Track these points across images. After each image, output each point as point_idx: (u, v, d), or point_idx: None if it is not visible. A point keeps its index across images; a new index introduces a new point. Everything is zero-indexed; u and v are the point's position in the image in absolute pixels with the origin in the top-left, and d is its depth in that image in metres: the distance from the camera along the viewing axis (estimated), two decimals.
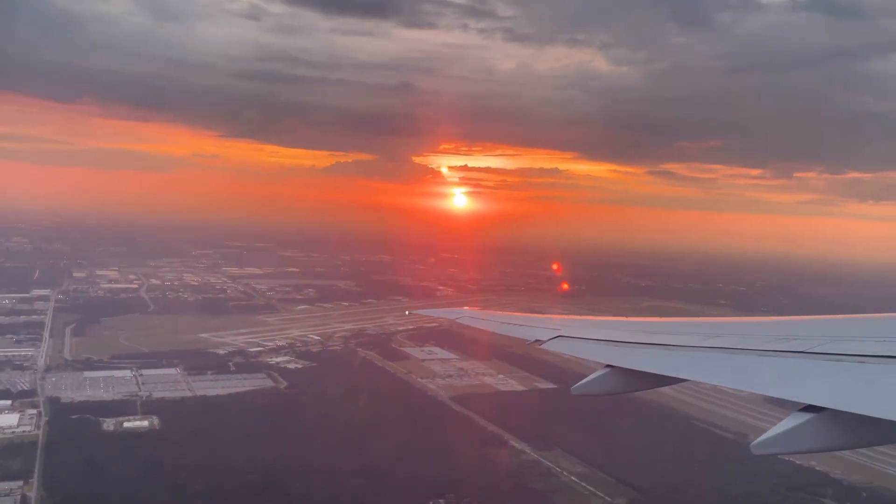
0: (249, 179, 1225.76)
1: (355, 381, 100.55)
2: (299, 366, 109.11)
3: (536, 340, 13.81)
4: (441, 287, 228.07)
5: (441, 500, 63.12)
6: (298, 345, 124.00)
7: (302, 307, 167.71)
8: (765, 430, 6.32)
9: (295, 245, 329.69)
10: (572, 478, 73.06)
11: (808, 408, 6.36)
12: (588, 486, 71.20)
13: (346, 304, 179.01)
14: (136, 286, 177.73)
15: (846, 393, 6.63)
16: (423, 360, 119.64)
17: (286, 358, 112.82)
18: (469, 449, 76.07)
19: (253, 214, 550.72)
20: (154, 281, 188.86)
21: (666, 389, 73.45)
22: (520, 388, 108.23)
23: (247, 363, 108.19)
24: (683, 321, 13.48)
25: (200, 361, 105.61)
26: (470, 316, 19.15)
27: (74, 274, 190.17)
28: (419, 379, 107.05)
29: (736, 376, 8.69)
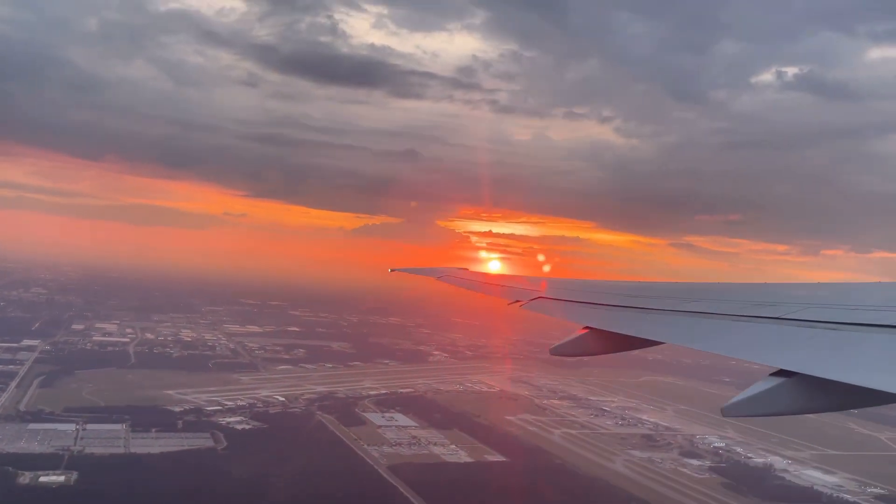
0: (280, 238, 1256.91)
1: (295, 446, 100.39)
2: (248, 427, 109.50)
3: (517, 301, 14.25)
4: (437, 352, 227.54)
5: None
6: (259, 405, 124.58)
7: (283, 367, 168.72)
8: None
9: (307, 304, 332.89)
10: None
11: (780, 372, 6.48)
12: None
13: (330, 365, 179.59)
14: (127, 340, 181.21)
15: (817, 358, 6.76)
16: (379, 427, 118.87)
17: (239, 418, 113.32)
18: None
19: (278, 272, 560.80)
20: (148, 335, 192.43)
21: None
22: (466, 459, 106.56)
23: (197, 422, 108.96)
24: (662, 284, 14.12)
25: (151, 418, 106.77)
26: (453, 275, 19.54)
27: (73, 326, 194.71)
28: (365, 445, 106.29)
29: (711, 340, 8.79)
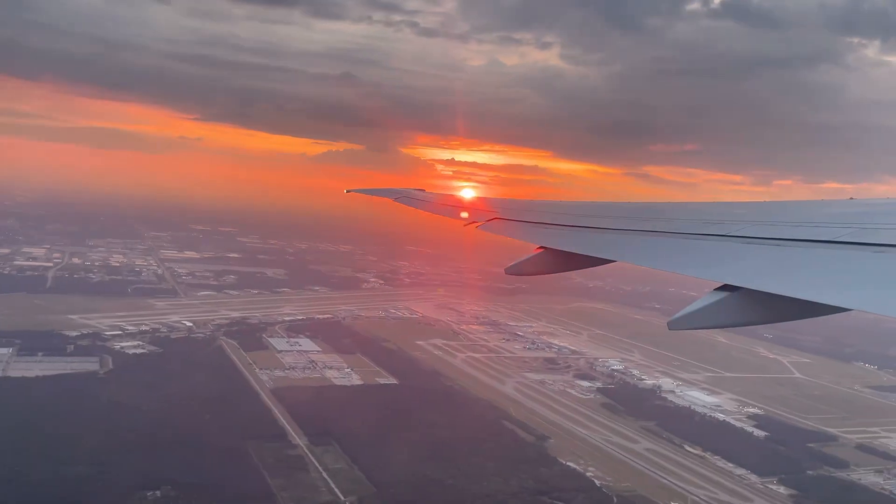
0: (239, 163, 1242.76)
1: (182, 370, 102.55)
2: (142, 351, 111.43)
3: (473, 221, 14.34)
4: (374, 279, 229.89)
5: (155, 493, 64.62)
6: (163, 330, 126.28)
7: (205, 293, 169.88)
8: None
9: (259, 231, 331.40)
10: (323, 473, 74.76)
11: (724, 287, 6.66)
12: (334, 483, 72.87)
13: (256, 291, 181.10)
14: (51, 265, 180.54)
15: (760, 273, 6.97)
16: (280, 352, 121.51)
17: (136, 343, 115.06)
18: (233, 441, 77.92)
19: (236, 198, 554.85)
20: (76, 260, 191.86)
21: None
22: (357, 382, 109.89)
23: (89, 346, 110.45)
24: (616, 204, 14.20)
25: (42, 342, 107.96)
26: (411, 196, 19.48)
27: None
28: (256, 370, 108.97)
29: (660, 259, 8.98)
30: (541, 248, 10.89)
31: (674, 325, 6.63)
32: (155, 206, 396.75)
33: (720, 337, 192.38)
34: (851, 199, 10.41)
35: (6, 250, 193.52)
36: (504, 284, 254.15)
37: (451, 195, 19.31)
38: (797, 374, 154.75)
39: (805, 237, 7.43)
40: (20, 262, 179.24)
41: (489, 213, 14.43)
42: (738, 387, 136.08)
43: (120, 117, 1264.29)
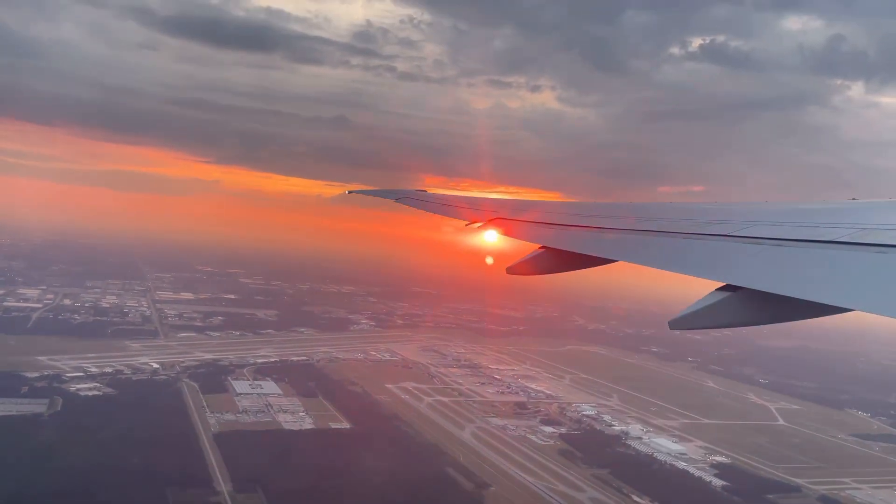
0: (258, 205, 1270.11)
1: (133, 412, 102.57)
2: (97, 393, 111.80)
3: (474, 221, 14.38)
4: (365, 321, 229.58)
5: None
6: (126, 372, 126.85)
7: (186, 334, 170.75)
8: None
9: (265, 272, 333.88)
10: None
11: (725, 287, 6.76)
12: None
13: (238, 333, 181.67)
14: (40, 306, 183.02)
15: (762, 273, 7.02)
16: (239, 394, 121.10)
17: (93, 385, 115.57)
18: (153, 488, 77.25)
19: (250, 239, 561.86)
20: (66, 301, 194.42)
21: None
22: (308, 427, 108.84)
23: (46, 388, 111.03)
24: (617, 204, 14.23)
25: None
26: (412, 197, 19.79)
27: None
28: (207, 413, 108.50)
29: (661, 258, 8.95)
30: (542, 247, 10.90)
31: (675, 325, 6.67)
32: (168, 248, 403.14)
33: (710, 381, 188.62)
34: (854, 199, 10.37)
35: (0, 291, 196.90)
36: (499, 326, 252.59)
37: (453, 196, 19.32)
38: (780, 422, 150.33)
39: (806, 237, 7.38)
40: (10, 302, 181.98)
41: (490, 214, 14.40)
42: (713, 434, 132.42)
43: (138, 160, 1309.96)
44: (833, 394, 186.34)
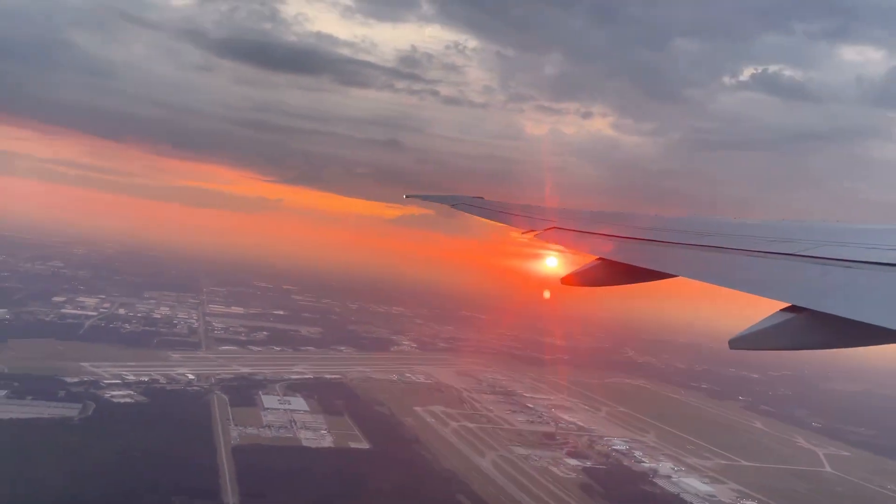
0: (321, 224, 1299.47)
1: (159, 421, 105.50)
2: (129, 401, 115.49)
3: (531, 230, 14.38)
4: (407, 342, 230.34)
5: None
6: (161, 381, 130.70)
7: (227, 348, 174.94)
8: None
9: (319, 290, 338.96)
10: None
11: (790, 308, 6.62)
12: None
13: (279, 348, 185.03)
14: (95, 314, 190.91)
15: (829, 295, 6.78)
16: (266, 409, 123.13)
17: (128, 392, 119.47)
18: (159, 497, 79.03)
19: (310, 258, 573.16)
20: (121, 311, 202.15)
21: None
22: (327, 445, 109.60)
23: (82, 393, 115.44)
24: (678, 218, 14.08)
25: (37, 386, 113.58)
26: (470, 203, 19.84)
27: (54, 298, 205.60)
28: (231, 426, 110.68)
29: (725, 275, 8.81)
30: (599, 259, 10.92)
31: (735, 345, 6.52)
32: (229, 263, 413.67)
33: (757, 422, 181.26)
34: None
35: (61, 298, 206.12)
36: (544, 355, 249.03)
37: (511, 203, 19.08)
38: (826, 468, 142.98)
39: (878, 260, 7.12)
40: (68, 309, 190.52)
41: (548, 223, 14.39)
42: (749, 477, 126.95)
43: (208, 178, 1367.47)
44: (892, 441, 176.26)
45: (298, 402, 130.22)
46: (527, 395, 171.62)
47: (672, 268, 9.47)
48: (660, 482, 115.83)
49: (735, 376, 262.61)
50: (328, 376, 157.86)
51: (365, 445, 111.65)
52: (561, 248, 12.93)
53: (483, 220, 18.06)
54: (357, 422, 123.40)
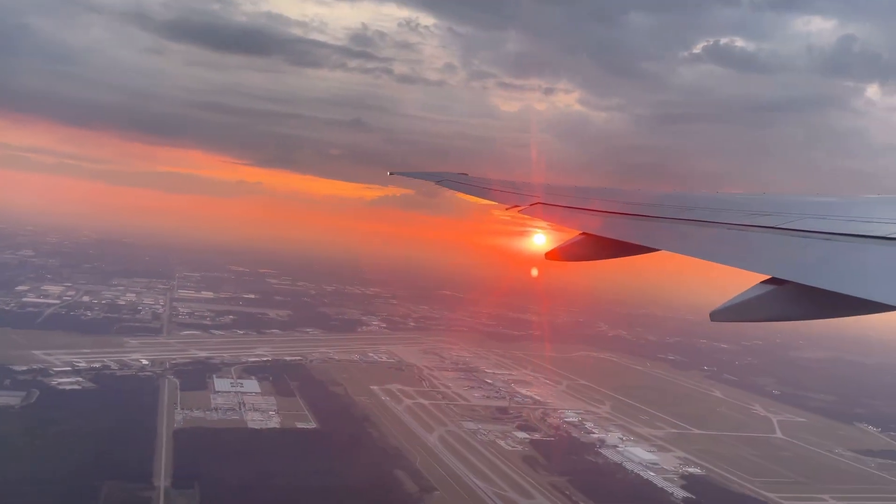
0: (303, 207, 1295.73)
1: (104, 407, 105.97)
2: (77, 388, 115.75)
3: (515, 206, 14.38)
4: (377, 323, 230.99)
5: None
6: (112, 367, 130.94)
7: (189, 332, 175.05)
8: None
9: (296, 273, 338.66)
10: None
11: (771, 281, 6.69)
12: None
13: (242, 332, 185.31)
14: (57, 302, 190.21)
15: (809, 267, 6.85)
16: (217, 392, 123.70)
17: (76, 379, 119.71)
18: (90, 480, 79.71)
19: (292, 241, 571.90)
20: (85, 298, 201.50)
21: None
22: (273, 426, 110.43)
23: (29, 381, 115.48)
24: (661, 193, 14.13)
25: None
26: (454, 179, 19.92)
27: (18, 287, 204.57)
28: (177, 409, 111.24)
29: (707, 248, 8.86)
30: (583, 233, 10.99)
31: (716, 317, 6.59)
32: (206, 248, 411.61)
33: (717, 391, 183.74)
34: None
35: (25, 287, 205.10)
36: (515, 331, 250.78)
37: (495, 179, 19.18)
38: (777, 434, 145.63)
39: (857, 232, 7.24)
40: (30, 298, 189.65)
41: (532, 199, 14.39)
42: (698, 445, 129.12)
43: (183, 162, 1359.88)
44: (849, 407, 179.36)
45: (251, 385, 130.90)
46: (489, 370, 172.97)
47: (655, 242, 9.64)
48: (605, 452, 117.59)
49: (705, 347, 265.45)
50: (288, 358, 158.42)
51: (312, 425, 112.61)
52: (545, 223, 13.15)
53: (467, 196, 18.31)
54: (309, 402, 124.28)
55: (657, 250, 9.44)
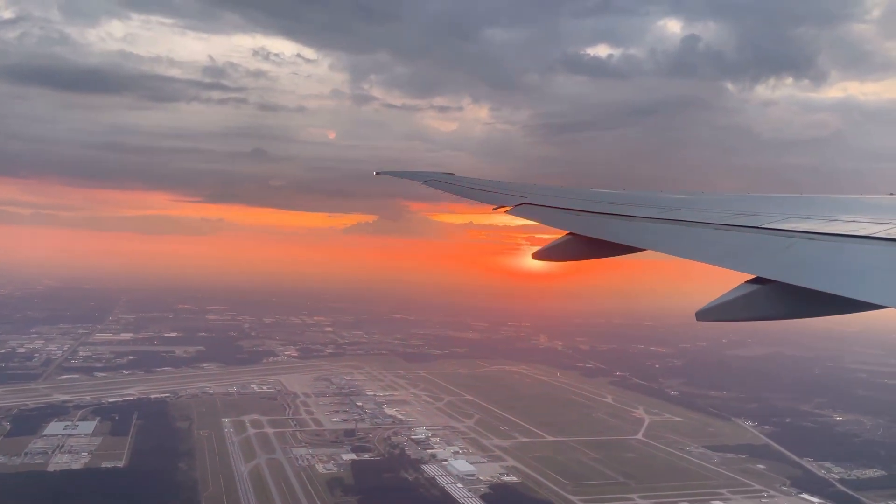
0: (280, 240, 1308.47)
1: None
2: None
3: (501, 206, 14.36)
4: (290, 353, 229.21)
5: None
6: None
7: (67, 377, 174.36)
8: None
9: (242, 307, 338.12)
10: None
11: (755, 280, 6.75)
12: None
13: (127, 372, 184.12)
14: None
15: (792, 266, 6.88)
16: (43, 436, 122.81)
17: None
18: None
19: (256, 274, 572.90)
20: None
21: None
22: (76, 467, 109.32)
23: None
24: (646, 193, 14.29)
25: None
26: (440, 180, 19.91)
27: None
28: None
29: (692, 248, 8.91)
30: (569, 233, 11.07)
31: (702, 317, 6.66)
32: (165, 288, 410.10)
33: (608, 398, 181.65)
34: (892, 194, 10.61)
35: None
36: (439, 350, 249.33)
37: (482, 179, 19.27)
38: (637, 436, 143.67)
39: (840, 232, 7.35)
40: None
41: (518, 199, 14.43)
42: (537, 453, 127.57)
43: (132, 204, 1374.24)
44: (742, 403, 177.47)
45: (86, 427, 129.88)
46: (371, 393, 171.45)
47: (641, 242, 9.72)
48: (427, 467, 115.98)
49: (636, 352, 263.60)
50: (154, 396, 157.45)
51: (119, 464, 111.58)
52: (532, 223, 13.10)
53: (453, 197, 18.14)
54: (137, 441, 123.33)
55: (644, 250, 9.54)
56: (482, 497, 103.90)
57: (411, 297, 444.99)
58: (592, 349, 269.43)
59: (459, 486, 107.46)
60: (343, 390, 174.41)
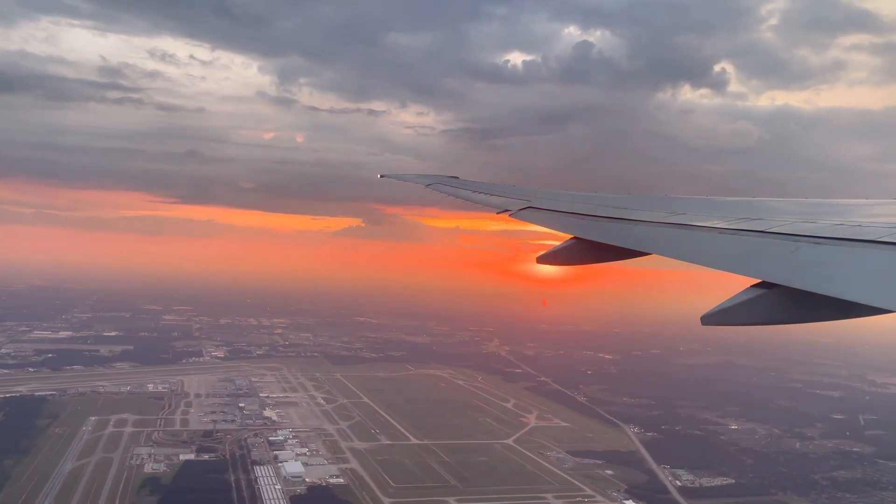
0: (274, 244, 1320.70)
1: None
2: None
3: (506, 210, 14.34)
4: (214, 354, 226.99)
5: None
6: None
7: None
8: None
9: (204, 308, 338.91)
10: None
11: (761, 285, 6.73)
12: None
13: (33, 370, 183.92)
14: None
15: (799, 271, 6.81)
16: None
17: None
18: None
19: (238, 275, 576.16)
20: None
21: None
22: None
23: None
24: (650, 196, 14.30)
25: None
26: (445, 183, 20.10)
27: None
28: None
29: (696, 252, 8.86)
30: (574, 237, 11.08)
31: (707, 321, 6.68)
32: (140, 289, 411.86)
33: (509, 404, 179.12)
34: None
35: None
36: (374, 353, 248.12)
37: (485, 182, 19.34)
38: (507, 441, 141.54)
39: (846, 236, 7.28)
40: None
41: (523, 202, 14.38)
42: (387, 455, 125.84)
43: (110, 203, 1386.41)
44: (644, 410, 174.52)
45: None
46: (265, 395, 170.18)
47: (646, 246, 9.69)
48: (259, 469, 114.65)
49: (579, 358, 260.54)
50: (38, 393, 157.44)
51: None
52: (536, 227, 13.09)
53: (455, 200, 18.13)
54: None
55: (648, 254, 9.50)
56: (291, 499, 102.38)
57: (391, 301, 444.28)
58: (537, 355, 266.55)
59: (278, 487, 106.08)
60: (239, 391, 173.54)
